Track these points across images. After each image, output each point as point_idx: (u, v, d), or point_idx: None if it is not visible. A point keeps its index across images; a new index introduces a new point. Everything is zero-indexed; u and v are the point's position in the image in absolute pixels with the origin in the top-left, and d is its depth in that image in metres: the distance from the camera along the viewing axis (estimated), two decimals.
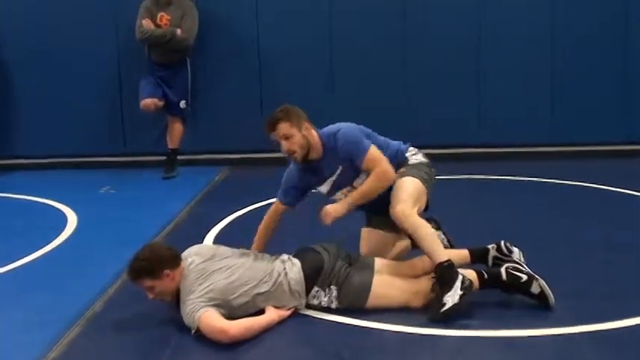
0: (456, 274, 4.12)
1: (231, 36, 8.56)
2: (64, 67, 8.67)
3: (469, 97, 8.51)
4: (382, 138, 4.76)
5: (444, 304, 4.04)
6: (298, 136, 4.53)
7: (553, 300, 4.16)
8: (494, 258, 4.60)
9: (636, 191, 6.74)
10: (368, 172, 4.53)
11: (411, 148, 4.80)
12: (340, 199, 4.64)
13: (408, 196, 4.41)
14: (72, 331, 4.20)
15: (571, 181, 7.24)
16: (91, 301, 4.60)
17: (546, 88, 8.45)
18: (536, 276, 4.21)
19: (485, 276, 4.26)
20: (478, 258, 4.64)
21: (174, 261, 4.22)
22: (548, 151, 8.50)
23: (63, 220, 6.55)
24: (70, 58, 8.65)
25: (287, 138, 4.53)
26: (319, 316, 4.25)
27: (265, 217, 4.92)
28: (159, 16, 8.06)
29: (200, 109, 8.59)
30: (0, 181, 8.26)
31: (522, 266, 4.34)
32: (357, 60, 8.43)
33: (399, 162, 4.66)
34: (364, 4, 8.46)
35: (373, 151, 4.52)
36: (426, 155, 4.81)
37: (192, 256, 4.33)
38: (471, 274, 4.26)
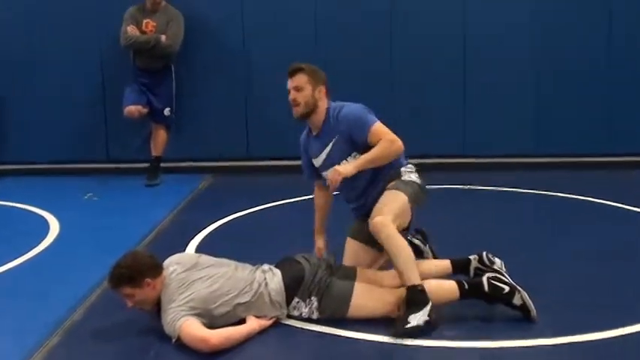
0: (427, 300, 4.09)
1: (217, 43, 8.56)
2: (48, 74, 8.65)
3: (455, 107, 8.53)
4: None
5: (408, 322, 4.02)
6: (309, 92, 4.60)
7: (535, 312, 4.16)
8: (476, 269, 4.62)
9: (618, 203, 6.76)
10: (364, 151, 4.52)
11: (410, 165, 4.75)
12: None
13: (392, 210, 4.36)
14: (52, 338, 4.18)
15: (554, 192, 7.26)
16: (72, 309, 4.59)
17: (531, 99, 8.48)
18: (519, 287, 4.21)
19: (466, 286, 4.25)
20: (459, 269, 4.65)
21: (156, 270, 4.21)
22: (533, 162, 8.52)
23: (45, 226, 6.52)
24: (53, 66, 8.64)
25: (298, 90, 4.60)
26: (300, 326, 4.25)
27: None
28: (144, 22, 8.06)
29: (184, 116, 8.59)
30: None
31: (504, 276, 4.33)
32: (343, 71, 8.38)
33: (391, 173, 4.63)
34: (351, 14, 8.48)
35: (379, 125, 4.52)
36: (421, 177, 4.73)
37: (173, 264, 4.32)
38: (451, 284, 4.27)
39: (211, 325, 4.06)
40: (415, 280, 4.14)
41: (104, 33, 8.28)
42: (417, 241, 4.99)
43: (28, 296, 4.90)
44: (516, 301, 4.18)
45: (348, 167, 4.41)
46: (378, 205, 4.41)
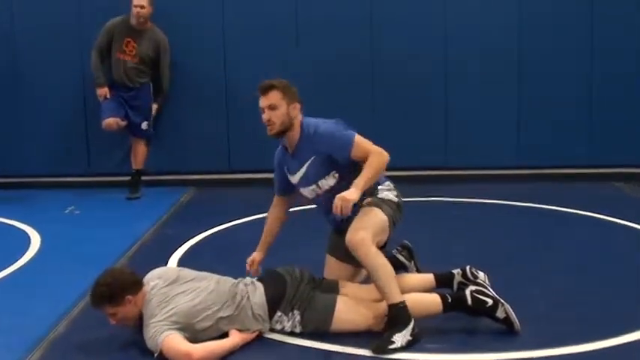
0: (409, 318, 4.06)
1: (198, 55, 8.55)
2: (28, 86, 8.62)
3: (436, 119, 8.56)
4: None
5: (392, 342, 3.99)
6: (284, 109, 4.45)
7: (518, 325, 4.16)
8: (460, 283, 4.62)
9: (601, 214, 6.80)
10: (342, 172, 4.45)
11: (388, 183, 4.65)
12: (313, 196, 4.62)
13: (369, 227, 4.25)
14: (34, 353, 4.16)
15: (536, 204, 7.29)
16: (55, 324, 4.56)
17: (512, 111, 8.53)
18: (502, 300, 4.21)
19: (449, 299, 4.25)
20: (443, 283, 4.65)
21: (136, 286, 4.20)
22: (514, 174, 8.56)
23: (26, 240, 6.49)
24: (33, 78, 8.61)
25: (272, 108, 4.45)
26: (284, 340, 4.24)
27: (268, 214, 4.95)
28: (125, 41, 8.00)
29: (166, 129, 8.59)
30: None
31: (487, 289, 4.32)
32: (324, 86, 8.44)
33: (366, 191, 4.42)
34: (333, 33, 8.49)
35: (359, 139, 4.40)
36: (399, 196, 4.62)
37: (154, 279, 4.31)
38: (434, 298, 4.27)
39: (194, 339, 4.05)
40: (396, 297, 4.10)
41: (86, 45, 8.22)
42: (401, 258, 4.95)
43: (10, 311, 4.86)
44: (499, 314, 4.19)
45: (353, 193, 4.20)
46: (354, 223, 4.28)
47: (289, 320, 4.26)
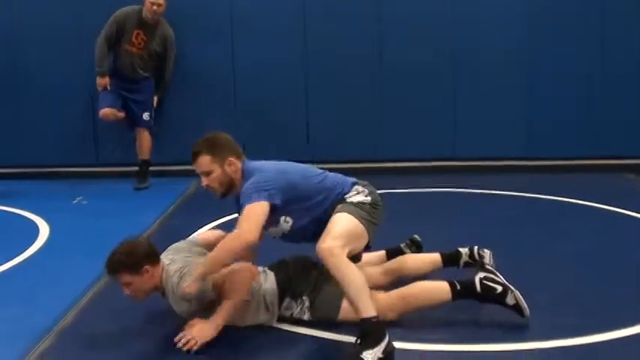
0: (383, 335, 3.78)
1: (206, 45, 8.56)
2: (37, 77, 8.65)
3: (445, 110, 8.54)
4: (321, 184, 4.36)
5: (361, 359, 3.71)
6: (218, 172, 4.28)
7: (528, 311, 4.15)
8: (466, 263, 4.67)
9: (611, 206, 6.78)
10: (293, 214, 4.27)
11: (357, 187, 4.40)
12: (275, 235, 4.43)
13: (338, 235, 4.04)
14: (43, 343, 4.17)
15: (545, 195, 7.27)
16: (63, 313, 4.57)
17: (522, 102, 8.50)
18: (511, 287, 4.19)
19: (458, 287, 4.21)
20: (450, 261, 4.67)
21: (154, 257, 4.20)
22: (523, 165, 8.54)
23: (35, 230, 6.50)
24: (42, 68, 8.63)
25: (207, 174, 4.29)
26: (295, 330, 4.24)
27: None
28: (134, 32, 7.95)
29: (174, 119, 8.59)
30: None
31: (497, 276, 4.28)
32: (332, 77, 8.46)
33: (334, 205, 4.29)
34: (340, 27, 8.47)
35: (251, 209, 4.06)
36: (373, 193, 4.41)
37: (170, 255, 4.35)
38: (443, 285, 4.23)
39: (198, 306, 4.11)
40: (368, 311, 3.86)
41: (94, 35, 8.21)
42: (409, 252, 4.95)
43: (18, 300, 4.88)
44: (509, 300, 4.16)
45: (192, 287, 3.99)
46: (324, 233, 4.07)
47: (298, 306, 4.27)
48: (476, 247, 4.69)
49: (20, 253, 5.84)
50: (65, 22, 8.54)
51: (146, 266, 4.12)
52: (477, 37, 8.43)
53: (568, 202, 7.06)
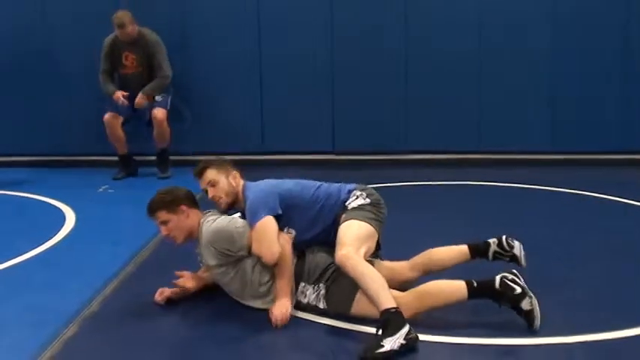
0: (404, 323, 3.87)
1: (232, 36, 8.60)
2: (64, 66, 8.75)
3: (470, 104, 8.52)
4: (316, 192, 4.58)
5: (381, 346, 3.78)
6: (224, 182, 4.59)
7: (539, 322, 4.03)
8: (495, 253, 4.60)
9: (635, 200, 6.73)
10: (295, 225, 4.49)
11: (355, 192, 4.55)
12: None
13: (350, 240, 4.24)
14: (68, 329, 4.21)
15: (570, 189, 7.23)
16: (88, 300, 4.61)
17: (547, 94, 8.46)
18: (531, 293, 4.08)
19: (475, 284, 4.13)
20: (478, 253, 4.61)
21: (193, 200, 4.51)
22: (549, 159, 8.50)
23: (61, 218, 6.56)
24: (69, 59, 8.74)
25: (213, 184, 4.59)
26: (313, 319, 4.27)
27: None
28: (124, 55, 8.09)
29: (200, 109, 8.64)
30: None
31: (519, 279, 4.17)
32: (355, 66, 8.46)
33: (336, 213, 4.49)
34: (366, 22, 8.49)
35: (258, 228, 4.33)
36: (372, 194, 4.57)
37: (211, 214, 4.53)
38: (459, 284, 4.16)
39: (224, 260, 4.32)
40: (388, 303, 3.95)
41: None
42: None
43: (45, 287, 4.94)
44: (525, 305, 4.04)
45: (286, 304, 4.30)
46: (337, 243, 4.26)
47: (314, 292, 4.31)
48: (504, 237, 4.64)
49: (47, 241, 5.89)
50: (89, 10, 8.61)
51: (183, 206, 4.39)
52: (502, 33, 8.38)
53: (593, 196, 7.01)
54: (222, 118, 8.72)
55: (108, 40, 8.11)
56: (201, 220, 4.45)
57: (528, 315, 4.04)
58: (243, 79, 8.69)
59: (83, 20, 8.63)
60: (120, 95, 7.98)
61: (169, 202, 4.42)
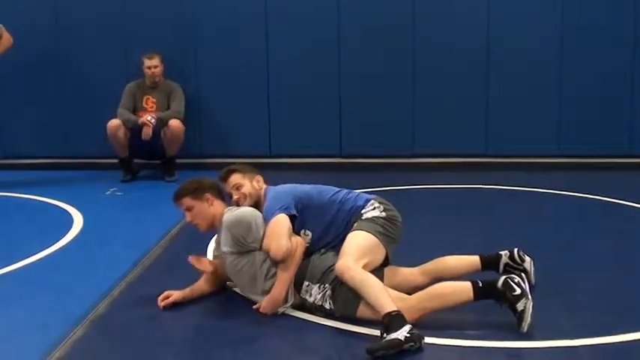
0: (405, 322, 3.91)
1: (240, 40, 8.63)
2: (74, 70, 8.79)
3: (477, 107, 8.52)
4: (333, 197, 4.64)
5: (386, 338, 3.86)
6: (248, 185, 4.73)
7: (527, 325, 4.00)
8: (506, 265, 4.61)
9: None
10: (314, 227, 4.57)
11: (372, 202, 4.59)
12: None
13: (352, 251, 4.29)
14: (76, 332, 4.21)
15: (577, 192, 7.23)
16: (96, 303, 4.61)
17: (554, 100, 8.46)
18: (530, 297, 4.06)
19: (480, 284, 4.14)
20: (489, 265, 4.63)
21: (218, 190, 4.68)
22: (555, 163, 8.49)
23: (69, 220, 6.58)
24: (78, 62, 8.80)
25: (237, 188, 4.72)
26: (318, 322, 4.27)
27: None
28: (144, 99, 8.29)
29: (207, 113, 8.68)
30: (8, 180, 8.27)
31: (524, 282, 4.14)
32: (363, 66, 8.48)
33: (351, 220, 4.53)
34: (373, 24, 8.52)
35: (273, 221, 4.42)
36: (390, 210, 4.59)
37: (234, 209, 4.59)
38: (465, 285, 4.18)
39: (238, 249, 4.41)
40: (389, 307, 3.99)
41: (131, 29, 8.27)
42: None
43: (52, 289, 4.94)
44: (519, 305, 4.04)
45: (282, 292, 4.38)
46: (340, 254, 4.34)
47: (320, 292, 4.32)
48: (516, 250, 4.66)
49: (55, 243, 5.91)
50: (108, 11, 8.67)
51: (207, 194, 4.56)
52: (510, 35, 8.39)
53: (599, 199, 7.01)
54: (230, 122, 8.75)
55: (131, 84, 8.37)
56: (225, 210, 4.56)
57: (520, 315, 4.04)
58: (250, 83, 8.71)
59: (96, 22, 8.70)
60: (147, 118, 8.03)
61: (195, 189, 4.58)
